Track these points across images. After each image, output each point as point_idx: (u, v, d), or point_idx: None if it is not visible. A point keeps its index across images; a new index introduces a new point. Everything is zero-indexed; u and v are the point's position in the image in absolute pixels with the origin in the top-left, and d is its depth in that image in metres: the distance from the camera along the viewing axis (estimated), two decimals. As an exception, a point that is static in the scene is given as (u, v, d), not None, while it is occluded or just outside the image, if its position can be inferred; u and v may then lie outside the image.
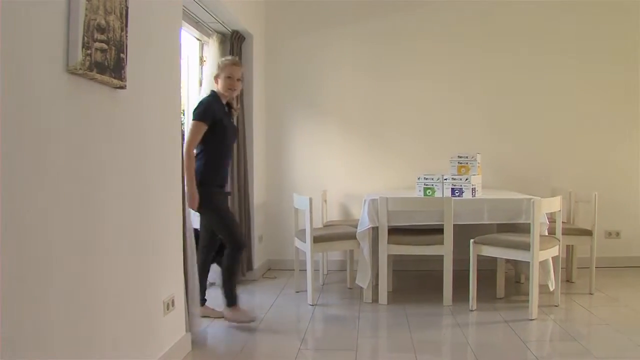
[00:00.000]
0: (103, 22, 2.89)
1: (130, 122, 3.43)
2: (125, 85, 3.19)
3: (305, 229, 5.66)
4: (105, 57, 2.93)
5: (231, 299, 5.08)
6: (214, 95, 5.11)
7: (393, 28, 7.39)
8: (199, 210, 4.95)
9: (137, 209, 3.54)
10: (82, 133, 2.85)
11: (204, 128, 4.89)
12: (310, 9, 7.40)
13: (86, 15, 2.72)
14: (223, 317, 5.14)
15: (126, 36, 3.16)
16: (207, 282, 5.45)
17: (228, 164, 5.27)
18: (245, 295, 6.02)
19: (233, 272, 5.09)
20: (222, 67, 5.11)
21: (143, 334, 3.66)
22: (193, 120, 4.92)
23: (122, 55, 3.12)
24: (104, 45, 2.92)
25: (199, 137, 4.89)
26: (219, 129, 4.98)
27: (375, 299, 5.74)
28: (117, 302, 3.28)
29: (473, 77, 7.36)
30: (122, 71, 3.14)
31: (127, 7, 3.16)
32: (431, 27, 7.39)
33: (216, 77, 5.15)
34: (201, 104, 5.03)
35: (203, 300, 5.22)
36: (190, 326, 4.46)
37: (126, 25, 3.16)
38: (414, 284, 6.60)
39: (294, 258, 6.16)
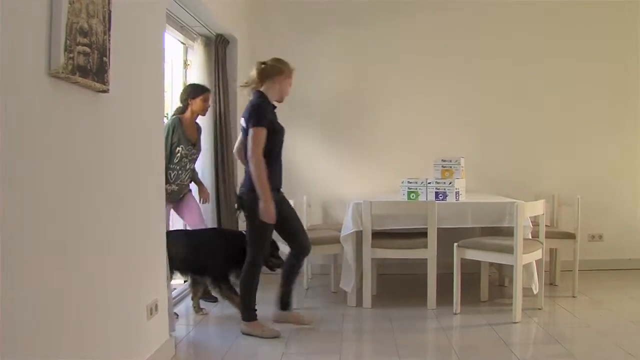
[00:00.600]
0: (86, 25, 2.88)
1: (113, 126, 3.41)
2: (108, 89, 3.17)
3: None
4: (87, 61, 2.91)
5: (287, 305, 5.05)
6: (263, 98, 4.95)
7: (378, 32, 7.41)
8: (247, 217, 4.89)
9: (119, 213, 3.52)
10: (64, 137, 2.83)
11: (265, 133, 4.75)
12: (295, 13, 7.40)
13: (68, 19, 2.70)
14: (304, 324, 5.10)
15: (109, 40, 3.15)
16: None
17: (281, 167, 5.16)
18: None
19: (293, 277, 5.07)
20: (288, 72, 5.04)
21: (127, 338, 3.64)
22: (254, 127, 4.72)
23: (105, 59, 3.10)
24: (87, 49, 2.90)
25: (264, 143, 4.74)
26: (272, 132, 4.85)
27: (359, 303, 5.73)
28: (101, 307, 3.26)
29: (456, 82, 7.38)
30: (105, 75, 3.12)
31: (110, 11, 3.14)
32: (416, 31, 7.42)
33: (275, 79, 4.99)
34: (255, 109, 4.82)
35: (286, 305, 5.13)
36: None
37: (109, 29, 3.14)
38: (398, 287, 6.60)
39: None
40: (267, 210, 4.67)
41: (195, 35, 6.20)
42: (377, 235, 5.70)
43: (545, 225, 5.79)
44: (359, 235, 5.72)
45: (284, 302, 5.07)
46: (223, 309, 5.63)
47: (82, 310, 3.03)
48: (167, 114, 5.91)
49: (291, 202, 5.57)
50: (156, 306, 4.07)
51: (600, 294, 6.21)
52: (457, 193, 5.88)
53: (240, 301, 4.98)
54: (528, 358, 4.48)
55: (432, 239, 5.52)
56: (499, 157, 7.33)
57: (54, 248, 2.72)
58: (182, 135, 5.61)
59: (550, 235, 5.95)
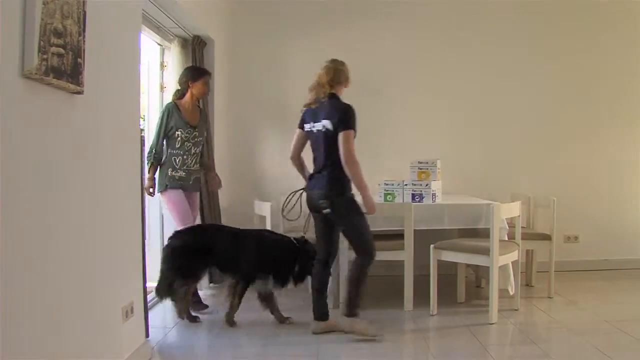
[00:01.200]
0: (60, 26, 2.85)
1: (87, 127, 3.39)
2: (83, 91, 3.14)
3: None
4: (62, 62, 2.89)
5: (353, 310, 4.92)
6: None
7: (356, 33, 7.41)
8: (346, 218, 4.91)
9: (95, 213, 3.50)
10: (38, 138, 2.81)
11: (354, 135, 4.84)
12: (273, 14, 7.38)
13: (42, 19, 2.68)
14: (342, 330, 4.96)
15: (84, 41, 3.12)
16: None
17: None
18: (208, 300, 5.97)
19: (362, 282, 4.94)
20: (348, 74, 5.09)
21: (102, 341, 3.61)
22: (347, 129, 4.79)
23: (79, 60, 3.08)
24: (61, 50, 2.88)
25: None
26: None
27: (336, 305, 5.71)
28: (75, 308, 3.23)
29: (433, 83, 7.41)
30: (80, 76, 3.10)
31: (84, 12, 3.11)
32: (393, 32, 7.43)
33: (342, 84, 5.05)
34: (347, 112, 4.87)
35: (325, 315, 5.06)
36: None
37: (84, 30, 3.12)
38: (375, 289, 6.57)
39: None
40: (373, 202, 4.89)
41: (171, 37, 6.15)
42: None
43: (522, 227, 5.81)
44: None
45: (351, 308, 4.94)
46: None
47: (55, 312, 3.00)
48: (143, 115, 5.88)
49: (269, 204, 5.58)
50: (132, 309, 4.04)
51: (575, 294, 6.26)
52: (433, 195, 5.89)
53: (353, 297, 4.90)
54: (504, 359, 4.50)
55: (409, 240, 5.53)
56: (475, 158, 7.36)
57: (27, 249, 2.70)
58: (179, 119, 5.57)
59: (526, 236, 5.98)
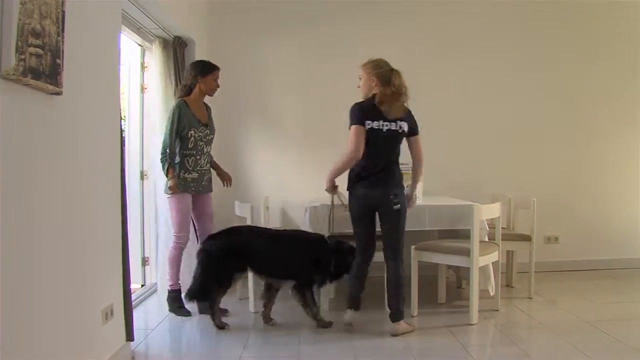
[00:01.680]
0: (38, 26, 2.84)
1: (66, 128, 3.37)
2: (62, 92, 3.13)
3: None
4: (40, 63, 2.87)
5: (400, 314, 5.00)
6: None
7: (336, 33, 7.42)
8: (404, 215, 5.02)
9: (73, 214, 3.49)
10: (16, 138, 2.79)
11: None
12: (253, 15, 7.37)
13: (20, 20, 2.66)
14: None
15: (63, 41, 3.11)
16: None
17: None
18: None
19: (403, 284, 5.02)
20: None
21: (81, 343, 3.60)
22: (351, 126, 4.99)
23: (58, 60, 3.07)
24: (39, 51, 2.87)
25: None
26: None
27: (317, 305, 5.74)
28: (54, 311, 3.21)
29: (412, 83, 7.40)
30: (58, 77, 3.09)
31: (63, 12, 3.10)
32: (375, 33, 7.43)
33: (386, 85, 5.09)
34: (351, 109, 5.09)
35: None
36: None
37: (63, 30, 3.11)
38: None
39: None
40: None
41: (152, 37, 6.13)
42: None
43: (502, 228, 5.85)
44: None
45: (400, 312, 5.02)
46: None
47: (32, 313, 2.98)
48: (124, 117, 5.85)
49: (250, 205, 5.57)
50: (112, 311, 4.03)
51: (556, 295, 6.30)
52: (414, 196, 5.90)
53: (401, 300, 4.98)
54: (485, 359, 4.53)
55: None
56: (456, 160, 7.37)
57: (4, 249, 2.67)
58: (191, 118, 5.47)
59: (506, 237, 6.01)
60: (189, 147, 5.48)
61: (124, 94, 6.09)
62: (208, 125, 5.65)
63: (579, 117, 7.63)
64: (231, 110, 7.29)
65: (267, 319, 5.33)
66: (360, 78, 5.20)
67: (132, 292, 4.50)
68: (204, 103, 5.74)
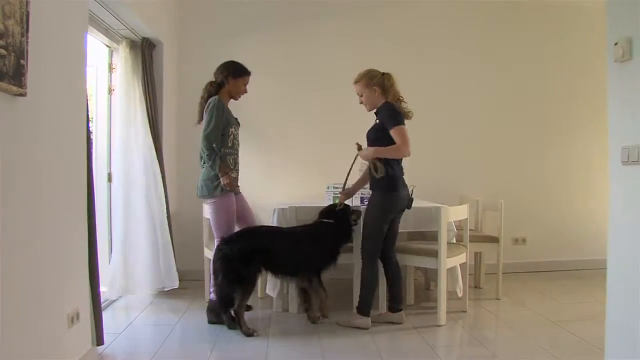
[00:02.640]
0: (1, 26, 2.81)
1: (31, 130, 3.33)
2: (26, 93, 3.10)
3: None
4: (3, 64, 2.84)
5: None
6: None
7: (306, 35, 7.45)
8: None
9: (38, 217, 3.45)
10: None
11: None
12: (222, 16, 7.36)
13: (-18, 20, 2.64)
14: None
15: (27, 42, 3.08)
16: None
17: None
18: (156, 305, 5.93)
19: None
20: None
21: (46, 348, 3.55)
22: (398, 126, 5.10)
23: (22, 61, 3.03)
24: (3, 51, 2.83)
25: None
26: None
27: (285, 308, 5.74)
28: (16, 315, 3.17)
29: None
30: (22, 78, 3.05)
31: (28, 12, 3.07)
32: (345, 33, 7.46)
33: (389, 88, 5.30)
34: (393, 109, 5.20)
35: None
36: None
37: (27, 31, 3.07)
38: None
39: (204, 268, 6.10)
40: None
41: (120, 38, 6.07)
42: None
43: (470, 229, 5.89)
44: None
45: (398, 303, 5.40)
46: (150, 313, 5.54)
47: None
48: (91, 118, 5.79)
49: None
50: (77, 315, 3.99)
51: (523, 295, 6.36)
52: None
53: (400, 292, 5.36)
54: (452, 360, 4.55)
55: (358, 243, 5.52)
56: (424, 161, 7.35)
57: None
58: (230, 115, 5.42)
59: (474, 239, 6.06)
60: (229, 145, 5.37)
61: (92, 96, 6.04)
62: (239, 124, 5.61)
63: (544, 120, 7.73)
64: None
65: (314, 319, 5.39)
66: (360, 95, 5.37)
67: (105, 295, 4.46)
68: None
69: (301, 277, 5.33)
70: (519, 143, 7.70)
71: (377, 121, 5.28)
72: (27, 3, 3.06)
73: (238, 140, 5.53)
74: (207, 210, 5.63)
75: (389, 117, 5.12)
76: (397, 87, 5.34)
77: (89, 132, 4.27)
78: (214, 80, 5.54)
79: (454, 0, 7.58)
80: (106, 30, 5.79)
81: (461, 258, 5.54)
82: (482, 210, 6.75)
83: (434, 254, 5.24)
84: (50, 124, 3.62)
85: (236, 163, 5.50)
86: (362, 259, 5.25)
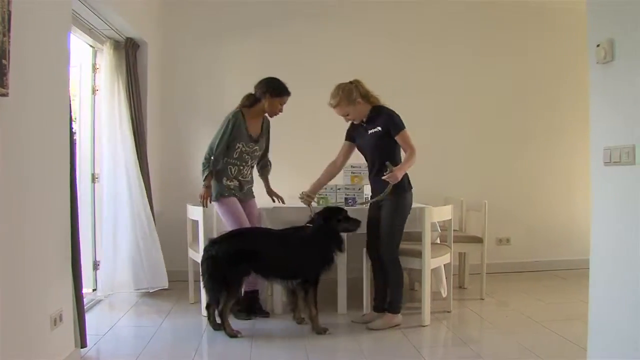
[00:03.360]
0: (-18, 26, 2.80)
1: (13, 130, 3.31)
2: (7, 93, 3.07)
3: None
4: (-16, 63, 2.83)
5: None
6: None
7: (291, 35, 7.45)
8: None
9: (21, 218, 3.43)
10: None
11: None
12: (207, 16, 7.35)
13: (-37, 19, 2.62)
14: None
15: (9, 41, 3.06)
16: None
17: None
18: (140, 307, 5.91)
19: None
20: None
21: (28, 350, 3.53)
22: (403, 129, 5.20)
23: (4, 61, 3.02)
24: (-16, 51, 2.82)
25: None
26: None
27: (270, 309, 5.72)
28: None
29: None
30: (4, 78, 3.03)
31: (10, 11, 3.05)
32: (328, 33, 7.48)
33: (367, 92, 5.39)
34: (394, 114, 5.29)
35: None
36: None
37: (9, 30, 3.05)
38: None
39: (189, 269, 6.08)
40: None
41: (104, 38, 6.06)
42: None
43: (454, 230, 5.90)
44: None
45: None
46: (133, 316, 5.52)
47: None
48: (75, 118, 5.76)
49: (202, 208, 5.52)
50: (61, 316, 3.96)
51: (507, 295, 6.38)
52: (366, 198, 5.92)
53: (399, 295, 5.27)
54: (437, 360, 4.56)
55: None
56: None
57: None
58: (243, 131, 5.53)
59: (458, 239, 6.08)
60: (234, 156, 5.56)
61: (75, 96, 6.02)
62: (258, 141, 5.72)
63: (527, 121, 7.77)
64: (184, 112, 7.27)
65: (300, 320, 5.35)
66: (346, 114, 5.37)
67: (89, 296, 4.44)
68: (264, 117, 5.81)
69: (298, 286, 5.17)
70: (502, 144, 7.72)
71: (378, 128, 5.24)
72: (9, 2, 3.04)
73: (250, 156, 5.67)
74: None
75: (394, 122, 5.19)
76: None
77: (72, 133, 4.25)
78: (252, 93, 5.68)
79: (435, 1, 7.61)
80: (90, 30, 5.78)
81: (445, 258, 5.55)
82: (466, 210, 6.77)
83: (418, 255, 5.24)
84: (33, 124, 3.60)
85: (240, 173, 5.65)
86: (389, 261, 5.19)
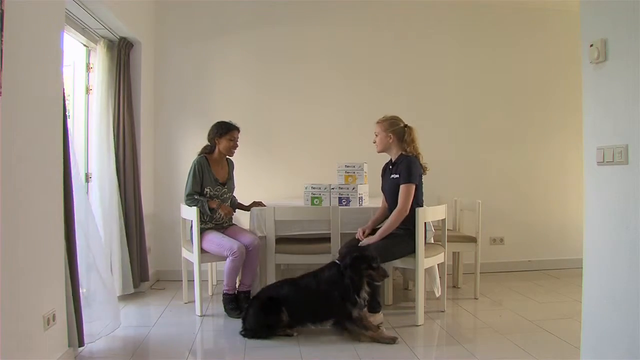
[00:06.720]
0: (-25, 26, 2.79)
1: (7, 128, 3.30)
2: (0, 92, 3.07)
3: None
4: (-23, 62, 2.82)
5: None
6: None
7: (282, 37, 7.44)
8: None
9: (14, 219, 3.42)
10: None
11: None
12: (200, 16, 7.34)
13: (-45, 18, 2.61)
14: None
15: (2, 40, 3.05)
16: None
17: None
18: (134, 307, 5.90)
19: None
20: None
21: (20, 350, 3.52)
22: (409, 183, 5.29)
23: (-4, 60, 3.02)
24: (-24, 50, 2.81)
25: None
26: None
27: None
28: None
29: (357, 85, 7.45)
30: (-3, 76, 3.03)
31: (2, 11, 3.05)
32: (318, 34, 7.49)
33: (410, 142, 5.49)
34: (413, 167, 5.35)
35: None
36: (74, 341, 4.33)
37: (2, 29, 3.05)
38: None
39: (182, 269, 6.08)
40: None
41: (97, 38, 6.04)
42: (281, 240, 5.72)
43: (448, 229, 5.90)
44: (262, 241, 5.70)
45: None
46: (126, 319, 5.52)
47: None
48: (69, 115, 5.74)
49: (195, 207, 5.51)
50: (54, 316, 3.95)
51: (501, 295, 6.40)
52: (360, 198, 5.93)
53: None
54: (430, 360, 4.56)
55: (335, 243, 5.53)
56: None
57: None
58: (208, 176, 5.73)
59: (452, 239, 6.08)
60: (206, 196, 5.78)
61: (69, 95, 6.00)
62: (226, 184, 5.90)
63: (521, 121, 7.81)
64: (177, 112, 7.25)
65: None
66: (376, 134, 5.51)
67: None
68: (227, 159, 6.03)
69: (333, 327, 5.00)
70: (496, 144, 7.74)
71: (397, 175, 5.37)
72: (2, 1, 3.04)
73: (220, 199, 5.88)
74: None
75: (407, 172, 5.29)
76: (418, 142, 5.52)
77: (66, 131, 4.23)
78: (208, 143, 5.93)
79: (428, 1, 7.62)
80: (83, 30, 5.76)
81: (439, 258, 5.55)
82: (460, 210, 6.77)
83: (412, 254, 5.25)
84: (26, 123, 3.59)
85: (212, 217, 5.85)
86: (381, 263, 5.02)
